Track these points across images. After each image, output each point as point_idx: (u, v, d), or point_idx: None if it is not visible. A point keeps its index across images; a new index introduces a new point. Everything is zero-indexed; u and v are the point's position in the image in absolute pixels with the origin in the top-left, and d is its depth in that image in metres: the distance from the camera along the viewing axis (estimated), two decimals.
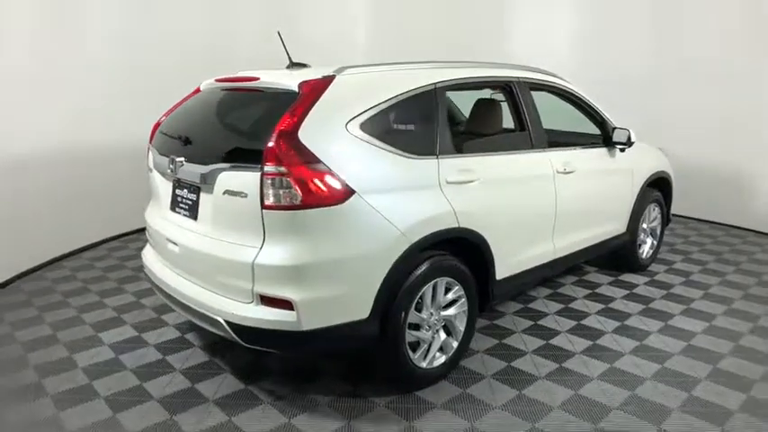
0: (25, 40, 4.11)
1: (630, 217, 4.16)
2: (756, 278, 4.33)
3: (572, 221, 3.54)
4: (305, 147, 2.23)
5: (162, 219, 2.82)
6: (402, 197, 2.49)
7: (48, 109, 4.34)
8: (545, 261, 3.37)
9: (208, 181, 2.43)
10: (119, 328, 3.41)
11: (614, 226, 4.03)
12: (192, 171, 2.52)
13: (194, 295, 2.51)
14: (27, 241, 4.25)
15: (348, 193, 2.30)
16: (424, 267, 2.58)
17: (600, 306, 3.78)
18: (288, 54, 2.94)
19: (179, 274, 2.68)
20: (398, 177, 2.51)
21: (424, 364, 2.70)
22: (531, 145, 3.25)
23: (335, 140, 2.34)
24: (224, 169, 2.36)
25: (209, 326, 2.50)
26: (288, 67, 2.97)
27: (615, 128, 3.82)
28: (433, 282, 2.65)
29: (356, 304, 2.36)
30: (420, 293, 2.60)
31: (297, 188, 2.20)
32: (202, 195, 2.51)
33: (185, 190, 2.63)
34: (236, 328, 2.33)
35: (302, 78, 2.45)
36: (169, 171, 2.67)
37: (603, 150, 3.82)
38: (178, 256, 2.65)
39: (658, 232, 4.59)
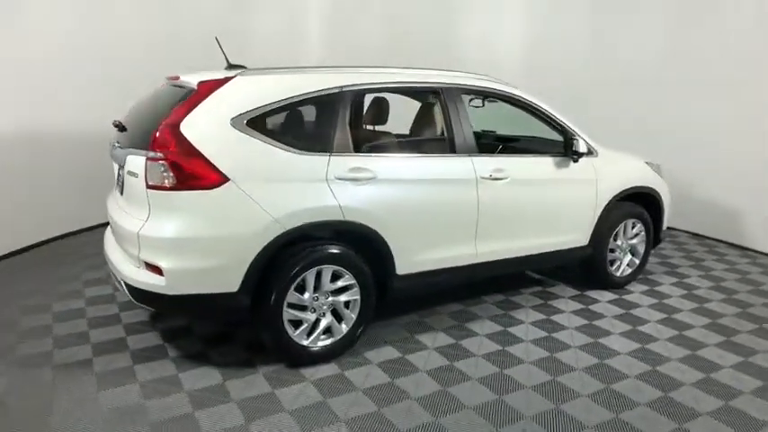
0: None
1: (594, 230, 4.03)
2: (756, 324, 3.75)
3: (503, 228, 3.57)
4: (184, 137, 2.60)
5: (112, 197, 3.35)
6: (281, 188, 2.77)
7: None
8: (463, 264, 3.44)
9: (124, 162, 2.89)
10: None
11: (570, 237, 3.94)
12: (118, 154, 3.01)
13: (114, 262, 2.98)
14: None
15: (222, 180, 2.63)
16: (303, 253, 2.84)
17: (540, 317, 3.75)
18: (225, 57, 3.32)
19: (115, 244, 3.17)
20: (281, 170, 2.79)
21: (305, 343, 2.96)
22: (451, 149, 3.35)
23: (217, 133, 2.68)
24: (130, 153, 2.80)
25: (121, 288, 2.95)
26: (226, 69, 3.36)
27: (571, 137, 3.75)
28: (316, 268, 2.90)
29: (225, 278, 2.69)
30: (301, 277, 2.86)
31: (172, 172, 2.57)
32: (123, 175, 2.97)
33: (119, 170, 3.12)
34: (129, 288, 2.76)
35: (204, 78, 2.82)
36: (111, 154, 3.18)
37: (556, 159, 3.76)
38: (113, 227, 3.15)
39: (640, 250, 4.37)
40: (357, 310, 3.09)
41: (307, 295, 2.92)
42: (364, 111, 3.69)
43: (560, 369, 3.07)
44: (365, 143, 3.19)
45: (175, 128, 2.60)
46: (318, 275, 2.93)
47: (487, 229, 3.48)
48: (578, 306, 3.96)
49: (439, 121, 3.40)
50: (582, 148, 3.70)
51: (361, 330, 3.14)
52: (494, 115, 4.11)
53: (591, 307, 3.96)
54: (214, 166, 2.62)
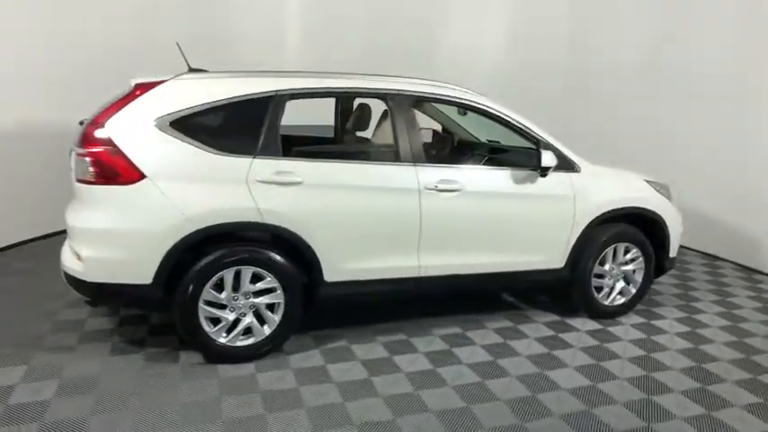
0: None
1: (572, 252, 3.70)
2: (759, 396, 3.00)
3: (454, 243, 3.40)
4: (107, 135, 2.77)
5: None
6: (198, 188, 2.85)
7: None
8: (404, 276, 3.32)
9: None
10: None
11: (540, 258, 3.65)
12: (72, 149, 3.23)
13: (62, 251, 3.19)
14: None
15: (139, 177, 2.77)
16: (219, 253, 2.91)
17: (497, 340, 3.51)
18: (186, 61, 3.47)
19: None
20: (199, 170, 2.87)
21: (222, 341, 3.02)
22: (395, 158, 3.25)
23: (140, 133, 2.82)
24: (72, 150, 3.03)
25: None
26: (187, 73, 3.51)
27: (539, 150, 3.48)
28: (234, 268, 2.95)
29: (138, 270, 2.81)
30: (218, 275, 2.93)
31: (93, 167, 2.75)
32: None
33: None
34: (65, 274, 2.98)
35: (141, 80, 2.98)
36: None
37: (523, 173, 3.50)
38: None
39: (637, 278, 3.93)
40: (281, 313, 3.09)
41: (224, 294, 2.98)
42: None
43: (483, 398, 2.85)
44: (298, 147, 3.19)
45: (100, 126, 2.78)
46: (238, 275, 2.98)
47: (433, 241, 3.33)
48: (548, 333, 3.66)
49: (385, 128, 3.31)
50: (548, 161, 3.41)
51: (285, 333, 3.14)
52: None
53: (562, 335, 3.64)
54: (132, 163, 2.77)
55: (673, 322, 3.94)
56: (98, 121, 2.80)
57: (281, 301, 3.08)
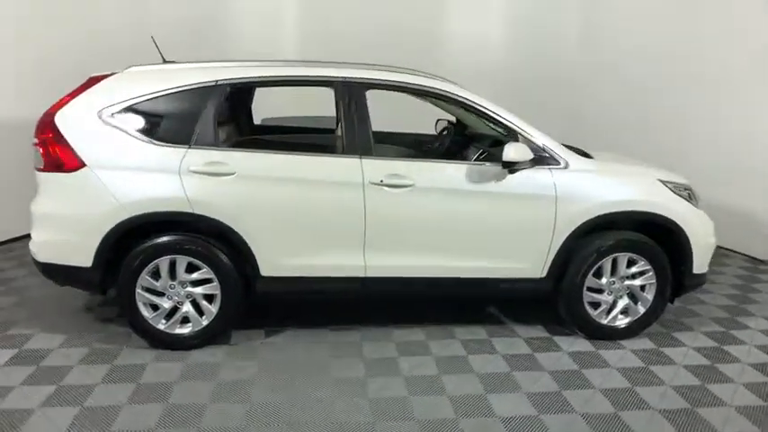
0: None
1: (554, 261, 3.23)
2: None
3: (406, 243, 3.13)
4: (56, 125, 2.94)
5: None
6: (133, 176, 2.92)
7: None
8: (348, 275, 3.13)
9: None
10: None
11: (512, 265, 3.23)
12: None
13: None
14: None
15: (80, 165, 2.91)
16: (152, 241, 2.97)
17: (457, 353, 3.18)
18: (161, 54, 3.55)
19: None
20: (135, 160, 2.94)
21: (161, 327, 3.08)
22: (341, 150, 3.06)
23: (85, 124, 2.95)
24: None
25: None
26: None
27: (507, 142, 3.06)
28: (168, 257, 3.00)
29: (78, 253, 2.96)
30: (153, 263, 2.99)
31: (42, 156, 2.95)
32: None
33: None
34: (31, 257, 3.22)
35: (95, 74, 3.13)
36: None
37: (490, 168, 3.10)
38: None
39: (647, 296, 3.32)
40: (217, 304, 3.09)
41: (159, 282, 3.04)
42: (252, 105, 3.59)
43: (395, 416, 2.59)
44: (236, 138, 3.13)
45: (51, 116, 2.96)
46: (183, 264, 3.02)
47: (381, 240, 3.10)
48: (523, 352, 3.23)
49: (338, 118, 3.13)
50: (512, 155, 2.98)
51: (223, 324, 3.13)
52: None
53: (538, 354, 3.19)
54: (75, 152, 2.92)
55: (690, 352, 3.27)
56: (50, 112, 2.99)
57: (218, 292, 3.07)
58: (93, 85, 3.04)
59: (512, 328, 3.48)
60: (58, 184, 2.95)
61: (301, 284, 3.14)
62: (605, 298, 3.33)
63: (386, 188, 3.04)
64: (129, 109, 2.99)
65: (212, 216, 2.96)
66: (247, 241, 3.01)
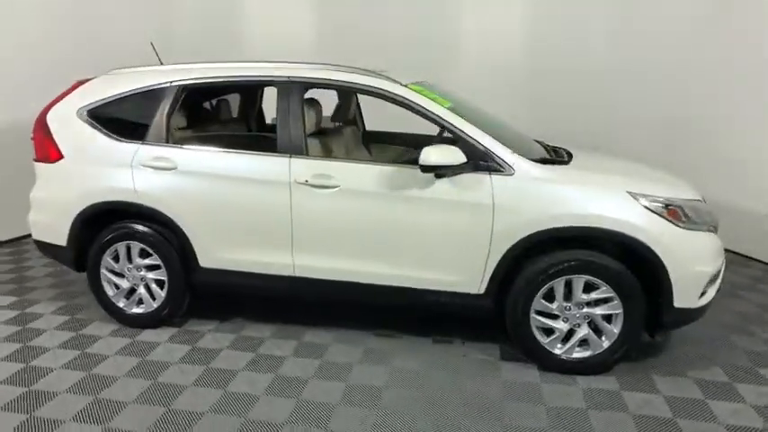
0: None
1: (492, 276, 2.90)
2: None
3: (333, 245, 3.05)
4: (45, 123, 3.40)
5: None
6: (96, 168, 3.27)
7: None
8: (278, 274, 3.15)
9: None
10: None
11: (444, 278, 2.97)
12: None
13: None
14: None
15: (59, 157, 3.33)
16: (109, 228, 3.30)
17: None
18: (159, 59, 3.86)
19: None
20: (101, 154, 3.27)
21: (121, 305, 3.41)
22: (274, 148, 3.08)
23: (66, 121, 3.36)
24: None
25: None
26: None
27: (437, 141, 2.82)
28: (125, 243, 3.30)
29: (57, 233, 3.38)
30: (113, 247, 3.32)
31: (35, 148, 3.43)
32: None
33: None
34: (33, 239, 3.75)
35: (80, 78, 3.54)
36: None
37: (416, 172, 2.85)
38: None
39: (612, 328, 2.83)
40: (165, 289, 3.32)
41: (118, 264, 3.35)
42: (205, 104, 3.68)
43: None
44: (183, 134, 3.31)
45: (43, 114, 3.43)
46: (143, 250, 3.31)
47: (308, 241, 3.07)
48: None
49: (244, 115, 3.16)
50: (429, 159, 2.73)
51: (172, 310, 3.35)
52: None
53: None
54: (57, 145, 3.35)
55: (656, 399, 2.72)
56: (44, 111, 3.47)
57: (165, 278, 3.30)
58: (77, 87, 3.45)
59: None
60: (45, 173, 3.42)
61: (235, 278, 3.23)
62: (558, 325, 2.90)
63: (311, 188, 3.00)
64: (100, 108, 3.35)
65: (155, 207, 3.19)
66: (186, 232, 3.20)
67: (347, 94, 3.96)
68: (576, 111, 5.74)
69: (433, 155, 2.74)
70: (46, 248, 3.53)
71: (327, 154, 3.52)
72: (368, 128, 4.52)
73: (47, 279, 4.19)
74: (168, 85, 3.28)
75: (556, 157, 3.32)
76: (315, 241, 3.07)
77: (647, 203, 2.75)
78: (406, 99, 2.99)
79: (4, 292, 3.93)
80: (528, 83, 5.91)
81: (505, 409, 2.64)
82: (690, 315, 2.85)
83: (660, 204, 2.76)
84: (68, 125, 3.37)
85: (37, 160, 3.44)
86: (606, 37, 5.68)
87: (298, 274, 3.13)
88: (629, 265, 2.79)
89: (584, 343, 2.91)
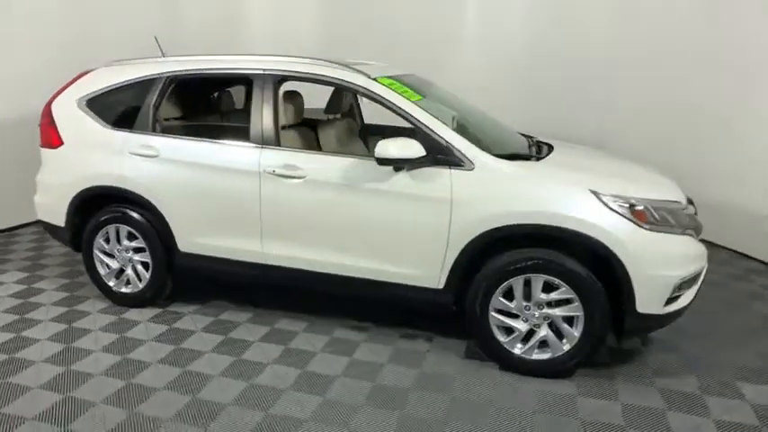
0: None
1: (451, 272, 2.87)
2: None
3: (299, 234, 3.11)
4: (51, 111, 3.64)
5: None
6: (91, 155, 3.47)
7: None
8: (250, 261, 3.24)
9: None
10: None
11: (405, 271, 2.96)
12: None
13: None
14: None
15: (60, 143, 3.57)
16: (101, 211, 3.50)
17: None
18: (162, 53, 4.04)
19: None
20: (96, 141, 3.47)
21: (111, 284, 3.61)
22: (247, 138, 3.17)
23: (67, 110, 3.58)
24: None
25: None
26: None
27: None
28: (114, 225, 3.50)
29: (56, 214, 3.61)
30: (104, 229, 3.52)
31: (41, 135, 3.69)
32: None
33: None
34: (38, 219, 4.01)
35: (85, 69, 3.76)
36: None
37: (375, 164, 2.86)
38: None
39: (572, 331, 2.74)
40: (149, 272, 3.49)
41: (109, 246, 3.55)
42: (190, 95, 3.84)
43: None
44: (167, 124, 3.45)
45: (49, 103, 3.68)
46: (130, 233, 3.50)
47: (276, 230, 3.14)
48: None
49: (247, 108, 3.26)
50: (390, 151, 2.73)
51: (155, 292, 3.53)
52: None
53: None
54: (58, 133, 3.59)
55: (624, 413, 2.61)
56: (50, 100, 3.72)
57: (149, 260, 3.48)
58: (79, 78, 3.68)
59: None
60: (48, 158, 3.67)
61: (211, 263, 3.35)
62: (518, 325, 2.84)
63: (279, 178, 3.07)
64: (96, 98, 3.55)
65: (140, 193, 3.36)
66: (166, 218, 3.35)
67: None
68: (593, 106, 5.57)
69: (389, 148, 2.75)
70: (48, 228, 3.79)
71: (311, 146, 3.58)
72: (373, 122, 4.54)
73: (61, 258, 4.48)
74: (156, 76, 3.44)
75: (538, 152, 3.25)
76: (282, 230, 3.14)
77: (610, 203, 2.64)
78: (372, 92, 3.01)
79: (18, 268, 4.25)
80: (543, 79, 5.79)
81: (454, 408, 2.63)
82: (655, 321, 2.72)
83: (625, 204, 2.64)
84: (69, 114, 3.60)
85: (42, 146, 3.69)
86: (613, 30, 5.52)
87: (267, 261, 3.21)
88: (595, 267, 2.69)
89: (544, 344, 2.83)
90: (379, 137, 4.37)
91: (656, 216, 2.67)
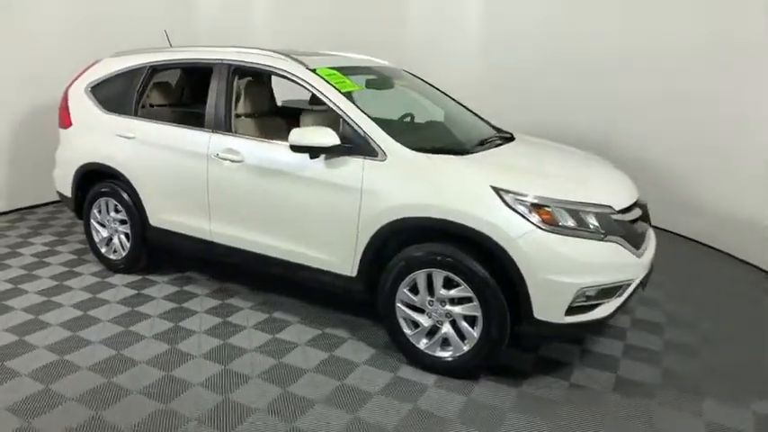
0: None
1: (361, 261, 2.90)
2: None
3: (238, 215, 3.31)
4: (67, 95, 4.17)
5: None
6: (90, 135, 3.93)
7: None
8: (199, 237, 3.50)
9: None
10: None
11: (322, 257, 3.04)
12: None
13: None
14: None
15: (70, 124, 4.08)
16: (96, 185, 3.95)
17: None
18: (170, 44, 4.41)
19: None
20: (95, 123, 3.93)
21: (103, 251, 4.06)
22: (203, 123, 3.42)
23: (78, 96, 4.08)
24: None
25: None
26: None
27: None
28: (105, 199, 3.93)
29: (66, 186, 4.12)
30: (96, 202, 3.98)
31: (59, 117, 4.23)
32: None
33: None
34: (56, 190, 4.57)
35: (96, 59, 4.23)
36: None
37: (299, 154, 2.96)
38: None
39: (472, 331, 2.66)
40: (131, 243, 3.89)
41: (100, 216, 4.00)
42: (171, 83, 4.15)
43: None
44: (146, 109, 3.80)
45: (66, 89, 4.21)
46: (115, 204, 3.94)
47: (219, 210, 3.37)
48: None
49: (206, 95, 3.50)
50: (301, 139, 2.82)
51: (133, 259, 3.92)
52: None
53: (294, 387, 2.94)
54: (70, 115, 4.10)
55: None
56: (67, 86, 4.25)
57: (129, 231, 3.87)
58: (88, 68, 4.17)
59: None
60: (62, 137, 4.20)
61: (173, 238, 3.66)
62: (422, 319, 2.81)
63: (222, 161, 3.28)
64: (98, 85, 4.01)
65: (120, 170, 3.76)
66: (139, 194, 3.71)
67: None
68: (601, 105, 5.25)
69: (302, 135, 2.84)
70: (61, 197, 4.34)
71: (278, 135, 3.77)
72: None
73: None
74: (141, 66, 3.81)
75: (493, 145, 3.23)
76: (223, 210, 3.36)
77: (510, 201, 2.53)
78: (306, 81, 3.12)
79: (49, 233, 4.90)
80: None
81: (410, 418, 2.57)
82: (555, 330, 2.56)
83: (526, 203, 2.52)
84: (78, 99, 4.09)
85: (59, 126, 4.24)
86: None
87: (212, 239, 3.45)
88: (494, 266, 2.59)
89: (447, 342, 2.78)
90: None
91: (571, 219, 2.51)
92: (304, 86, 3.14)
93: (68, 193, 4.15)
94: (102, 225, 4.04)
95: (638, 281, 2.71)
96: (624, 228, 2.66)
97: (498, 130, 3.78)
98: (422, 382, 2.75)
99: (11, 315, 3.36)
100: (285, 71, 3.20)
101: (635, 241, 2.71)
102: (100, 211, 4.01)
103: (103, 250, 4.07)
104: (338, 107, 2.99)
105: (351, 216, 2.87)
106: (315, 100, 4.13)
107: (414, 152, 2.81)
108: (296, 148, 2.89)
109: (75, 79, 4.20)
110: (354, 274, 2.96)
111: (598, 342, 3.17)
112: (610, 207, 2.66)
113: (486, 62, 6.08)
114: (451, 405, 2.58)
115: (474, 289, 2.60)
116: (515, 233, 2.48)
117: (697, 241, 4.94)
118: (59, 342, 3.06)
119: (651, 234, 3.04)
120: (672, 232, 5.12)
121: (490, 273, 2.57)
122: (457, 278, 2.64)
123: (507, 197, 2.54)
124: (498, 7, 5.99)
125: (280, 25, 7.19)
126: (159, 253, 4.00)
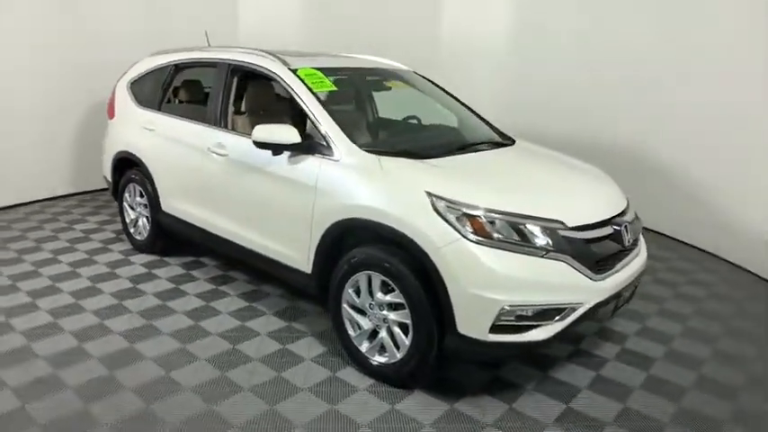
0: None
1: (315, 259, 2.93)
2: None
3: (227, 207, 3.49)
4: (115, 90, 4.66)
5: None
6: (126, 126, 4.36)
7: None
8: (198, 225, 3.73)
9: None
10: None
11: (285, 252, 3.11)
12: None
13: None
14: None
15: (113, 116, 4.56)
16: (127, 172, 4.37)
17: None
18: (209, 44, 4.72)
19: None
20: (129, 115, 4.35)
21: (131, 231, 4.47)
22: (204, 119, 3.65)
23: (121, 91, 4.53)
24: None
25: None
26: None
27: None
28: (132, 184, 4.34)
29: (107, 170, 4.59)
30: (126, 186, 4.40)
31: (107, 108, 4.73)
32: None
33: None
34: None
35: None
36: None
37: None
38: None
39: (404, 339, 2.60)
40: (149, 225, 4.26)
41: (130, 199, 4.42)
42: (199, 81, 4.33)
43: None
44: (168, 104, 4.11)
45: (115, 84, 4.70)
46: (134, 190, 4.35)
47: (212, 201, 3.58)
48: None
49: (210, 92, 3.73)
50: (261, 135, 2.90)
51: (152, 240, 4.28)
52: None
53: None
54: (114, 108, 4.58)
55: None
56: (117, 81, 4.73)
57: (149, 215, 4.24)
58: (132, 66, 4.61)
59: None
60: (108, 127, 4.69)
61: (178, 224, 3.94)
62: (363, 322, 2.78)
63: (213, 155, 3.49)
64: (136, 81, 4.44)
65: (142, 160, 4.12)
66: (155, 181, 4.05)
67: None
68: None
69: (262, 132, 2.94)
70: (105, 180, 4.85)
71: None
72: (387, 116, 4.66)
73: None
74: (168, 64, 4.16)
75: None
76: (215, 202, 3.56)
77: (441, 208, 2.43)
78: (283, 80, 3.22)
79: (106, 213, 5.49)
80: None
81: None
82: (479, 348, 2.40)
83: (457, 212, 2.40)
84: (121, 93, 4.56)
85: (108, 117, 4.75)
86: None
87: (210, 230, 3.66)
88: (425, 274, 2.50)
89: (383, 348, 2.73)
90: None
91: (509, 231, 2.37)
92: (282, 84, 3.24)
93: (109, 177, 4.63)
94: (132, 208, 4.46)
95: (589, 306, 2.47)
96: (576, 246, 2.44)
97: (501, 134, 3.63)
98: (354, 385, 2.73)
99: (36, 280, 3.83)
100: (269, 70, 3.34)
101: (592, 262, 2.48)
102: (130, 195, 4.43)
103: (132, 230, 4.49)
104: (305, 105, 3.05)
105: (306, 214, 2.92)
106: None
107: (366, 153, 2.80)
108: (259, 145, 3.00)
109: (122, 76, 4.68)
110: (309, 271, 3.01)
111: (563, 368, 2.93)
112: (560, 222, 2.45)
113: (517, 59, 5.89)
114: (370, 413, 2.53)
115: (405, 295, 2.54)
116: (442, 241, 2.38)
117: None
118: (59, 308, 3.45)
119: (634, 257, 2.77)
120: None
121: (421, 281, 2.49)
122: (392, 282, 2.59)
123: (439, 204, 2.44)
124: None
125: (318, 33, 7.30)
126: (177, 238, 4.34)
